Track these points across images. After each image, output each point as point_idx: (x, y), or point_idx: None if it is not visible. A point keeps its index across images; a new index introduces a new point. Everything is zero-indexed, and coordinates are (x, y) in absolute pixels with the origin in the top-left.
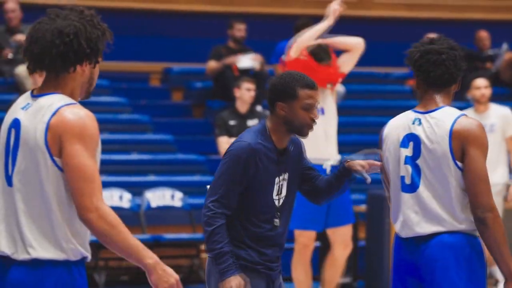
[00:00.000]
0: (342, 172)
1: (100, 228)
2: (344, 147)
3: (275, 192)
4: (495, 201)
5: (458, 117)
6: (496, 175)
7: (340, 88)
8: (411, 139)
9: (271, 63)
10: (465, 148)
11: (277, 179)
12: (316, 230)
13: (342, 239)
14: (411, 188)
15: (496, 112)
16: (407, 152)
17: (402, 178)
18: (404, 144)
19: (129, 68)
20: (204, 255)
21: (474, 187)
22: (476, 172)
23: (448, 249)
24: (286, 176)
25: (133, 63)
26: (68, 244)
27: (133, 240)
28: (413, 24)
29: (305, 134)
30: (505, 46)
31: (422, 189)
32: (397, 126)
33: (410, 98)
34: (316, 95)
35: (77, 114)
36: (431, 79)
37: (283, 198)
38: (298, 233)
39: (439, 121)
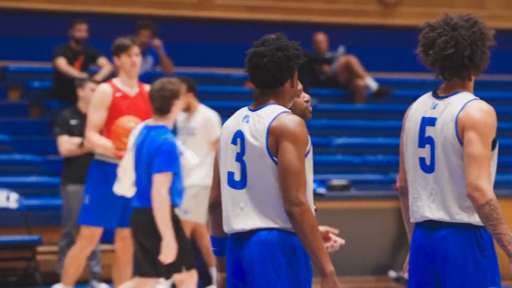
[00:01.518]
0: None
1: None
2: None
3: None
4: (194, 203)
5: (279, 114)
6: (193, 177)
7: None
8: (238, 135)
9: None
10: (278, 143)
11: None
12: (110, 228)
13: (125, 239)
14: (240, 184)
15: (202, 115)
16: (237, 149)
17: (231, 174)
18: (234, 140)
19: None
20: (41, 257)
21: (283, 181)
22: (285, 166)
23: (266, 247)
24: None
25: None
26: None
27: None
28: (253, 26)
29: (308, 117)
30: (341, 49)
31: (248, 186)
32: (232, 122)
33: (250, 99)
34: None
35: None
36: (256, 82)
37: None
38: (86, 228)
39: (261, 118)
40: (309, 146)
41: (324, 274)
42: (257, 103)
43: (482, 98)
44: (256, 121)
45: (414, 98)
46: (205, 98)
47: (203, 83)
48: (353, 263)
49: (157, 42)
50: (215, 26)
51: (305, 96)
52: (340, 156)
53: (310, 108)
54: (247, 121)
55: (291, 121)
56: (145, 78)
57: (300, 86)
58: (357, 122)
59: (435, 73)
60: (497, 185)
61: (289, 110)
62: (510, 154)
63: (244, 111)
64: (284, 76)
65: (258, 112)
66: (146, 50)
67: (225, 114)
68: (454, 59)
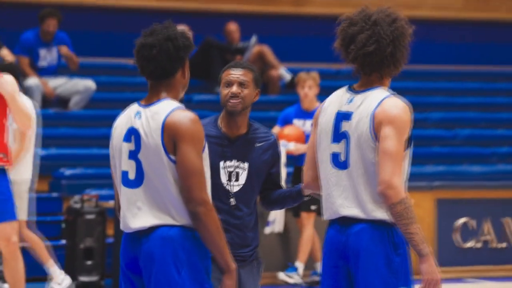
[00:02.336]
0: (298, 194)
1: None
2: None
3: (224, 177)
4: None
5: (172, 110)
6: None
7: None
8: (132, 132)
9: (16, 54)
10: (175, 142)
11: (222, 163)
12: None
13: (1, 236)
14: (135, 183)
15: None
16: (131, 146)
17: (125, 173)
18: (127, 138)
19: None
20: None
21: (184, 181)
22: (185, 167)
23: (167, 242)
24: (241, 164)
25: None
26: None
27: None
28: (163, 15)
29: (229, 111)
30: (254, 38)
31: (144, 185)
32: (123, 119)
33: None
34: (234, 72)
35: None
36: (146, 74)
37: (241, 185)
38: None
39: (155, 114)
40: (205, 142)
41: (228, 270)
42: (149, 98)
43: (398, 89)
44: (150, 117)
45: (329, 88)
46: (113, 90)
47: (112, 74)
48: None
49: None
50: (122, 16)
51: (232, 89)
52: None
53: (232, 101)
54: (140, 118)
55: (186, 118)
56: (49, 71)
57: (228, 78)
58: (272, 114)
59: (355, 68)
60: (411, 177)
61: (182, 106)
62: (423, 145)
63: (135, 107)
64: (175, 67)
65: (151, 108)
66: (51, 41)
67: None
68: (376, 55)
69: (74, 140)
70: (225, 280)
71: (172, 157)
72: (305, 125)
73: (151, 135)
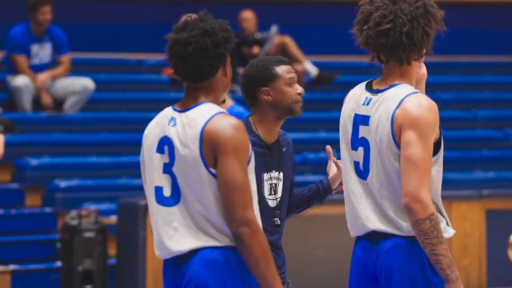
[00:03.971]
0: (325, 190)
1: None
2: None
3: (267, 191)
4: None
5: (213, 116)
6: None
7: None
8: (165, 142)
9: (10, 53)
10: (216, 152)
11: (266, 176)
12: None
13: None
14: (171, 200)
15: None
16: (165, 159)
17: (158, 189)
18: (160, 149)
19: None
20: None
21: (226, 198)
22: (227, 181)
23: (210, 266)
24: (279, 175)
25: None
26: None
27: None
28: (169, 5)
29: (297, 112)
30: (274, 28)
31: (181, 202)
32: (155, 126)
33: (167, 89)
34: (293, 69)
35: None
36: (181, 75)
37: (279, 199)
38: None
39: (192, 121)
40: (251, 153)
41: None
42: (185, 102)
43: (439, 84)
44: (186, 125)
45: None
46: (115, 89)
47: (112, 71)
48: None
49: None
50: (122, 4)
51: (297, 88)
52: None
53: (301, 103)
54: (174, 125)
55: (228, 125)
56: (41, 69)
57: (293, 75)
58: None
59: (370, 55)
60: (457, 185)
61: (225, 111)
62: (470, 148)
63: (169, 112)
64: (215, 66)
65: (188, 113)
66: (44, 35)
67: (139, 107)
68: (390, 35)
69: (70, 147)
70: None
71: (213, 170)
72: None
73: (188, 146)
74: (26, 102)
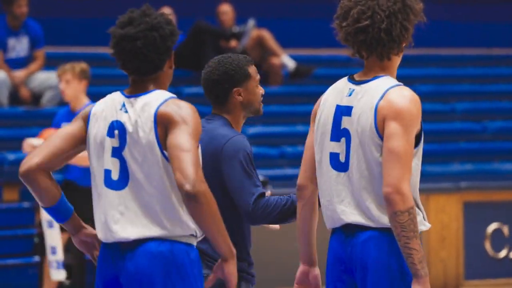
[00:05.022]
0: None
1: None
2: None
3: None
4: None
5: (167, 99)
6: None
7: None
8: (116, 127)
9: None
10: (168, 130)
11: None
12: None
13: None
14: (119, 184)
15: None
16: (114, 142)
17: (107, 172)
18: (110, 133)
19: None
20: None
21: (177, 160)
22: (179, 144)
23: (157, 260)
24: None
25: None
26: None
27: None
28: None
29: (261, 112)
30: (251, 22)
31: (128, 186)
32: (105, 108)
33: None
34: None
35: None
36: (130, 69)
37: None
38: None
39: (145, 106)
40: (200, 139)
41: (232, 256)
42: (135, 89)
43: (418, 77)
44: (139, 110)
45: (340, 78)
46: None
47: None
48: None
49: None
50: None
51: (261, 89)
52: (253, 147)
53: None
54: (126, 111)
55: (183, 106)
56: (18, 63)
57: (258, 77)
58: (272, 108)
59: (351, 50)
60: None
61: (175, 96)
62: (448, 141)
63: (119, 97)
64: (163, 59)
65: (139, 99)
66: (20, 28)
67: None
68: (368, 32)
69: None
70: (229, 267)
71: (166, 153)
72: None
73: (142, 129)
74: (3, 96)
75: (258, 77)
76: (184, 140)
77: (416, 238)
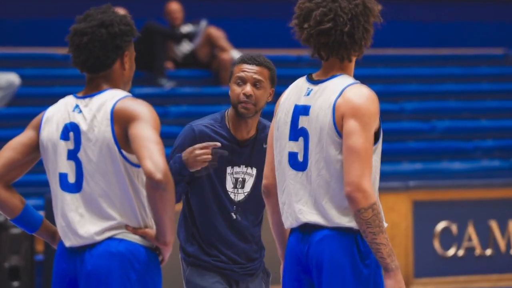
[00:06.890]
0: None
1: None
2: None
3: (229, 185)
4: None
5: (122, 97)
6: None
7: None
8: (71, 129)
9: None
10: (127, 128)
11: (229, 169)
12: None
13: None
14: (76, 187)
15: None
16: (70, 145)
17: (63, 176)
18: (64, 135)
19: None
20: None
21: (142, 150)
22: (143, 136)
23: (115, 259)
24: (249, 170)
25: None
26: None
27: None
28: None
29: (241, 113)
30: (204, 23)
31: (85, 188)
32: (57, 112)
33: None
34: (248, 69)
35: None
36: (78, 65)
37: (246, 194)
38: None
39: (100, 105)
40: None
41: (170, 244)
42: (88, 90)
43: (367, 76)
44: (95, 109)
45: (289, 77)
46: (40, 84)
47: (39, 66)
48: None
49: None
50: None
51: (244, 88)
52: None
53: (246, 104)
54: (80, 112)
55: (140, 104)
56: None
57: (243, 74)
58: (225, 108)
59: (311, 51)
60: (383, 176)
61: (130, 94)
62: (396, 140)
63: (71, 100)
64: (110, 57)
65: (94, 99)
66: None
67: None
68: (331, 35)
69: None
70: (168, 252)
71: (126, 154)
72: None
73: (98, 127)
74: None
75: (240, 74)
76: (150, 132)
77: (383, 233)
